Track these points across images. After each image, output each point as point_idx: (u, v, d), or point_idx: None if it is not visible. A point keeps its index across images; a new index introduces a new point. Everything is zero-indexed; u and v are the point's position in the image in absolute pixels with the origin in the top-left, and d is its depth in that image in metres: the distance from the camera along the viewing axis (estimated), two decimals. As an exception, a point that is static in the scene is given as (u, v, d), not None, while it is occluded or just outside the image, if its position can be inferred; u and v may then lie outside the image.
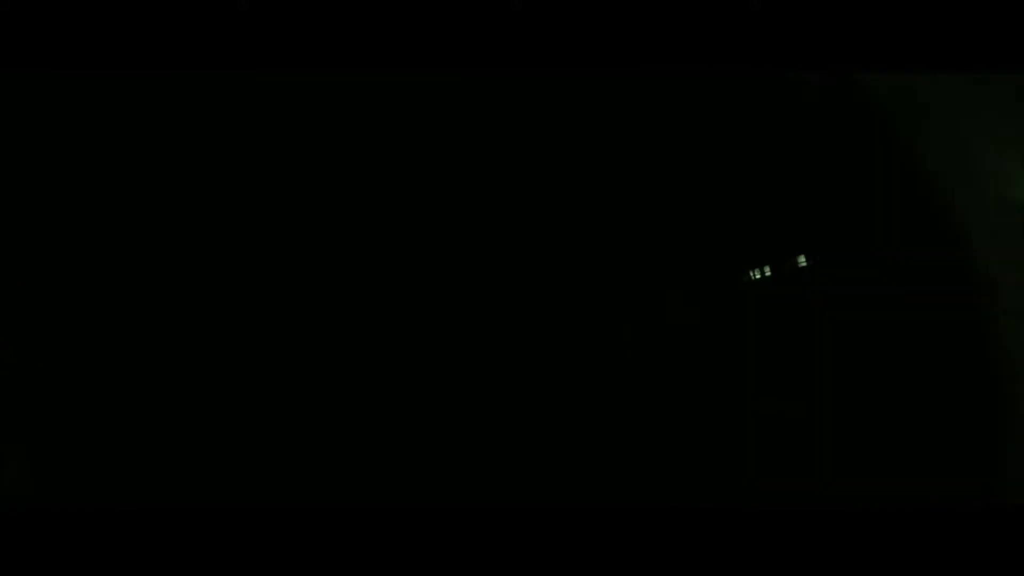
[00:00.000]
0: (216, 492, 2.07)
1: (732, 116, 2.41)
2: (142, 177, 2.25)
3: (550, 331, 2.62)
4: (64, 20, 1.77)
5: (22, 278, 2.04)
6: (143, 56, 1.87)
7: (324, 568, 1.84)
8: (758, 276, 2.44)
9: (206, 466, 2.16)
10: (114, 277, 2.19)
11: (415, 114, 2.48)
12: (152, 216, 2.26)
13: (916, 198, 2.06)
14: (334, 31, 1.90)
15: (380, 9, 1.85)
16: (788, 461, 2.29)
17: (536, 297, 2.62)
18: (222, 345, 2.33)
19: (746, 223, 2.47)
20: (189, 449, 2.18)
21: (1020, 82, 1.78)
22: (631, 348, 2.58)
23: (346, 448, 2.32)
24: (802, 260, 2.35)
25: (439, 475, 2.35)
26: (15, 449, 1.91)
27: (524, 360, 2.59)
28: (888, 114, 2.06)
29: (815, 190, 2.37)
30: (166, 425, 2.21)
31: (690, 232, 2.49)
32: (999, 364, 1.83)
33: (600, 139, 2.58)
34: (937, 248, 1.97)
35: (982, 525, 1.56)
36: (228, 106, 2.29)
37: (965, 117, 1.90)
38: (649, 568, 1.75)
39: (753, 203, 2.46)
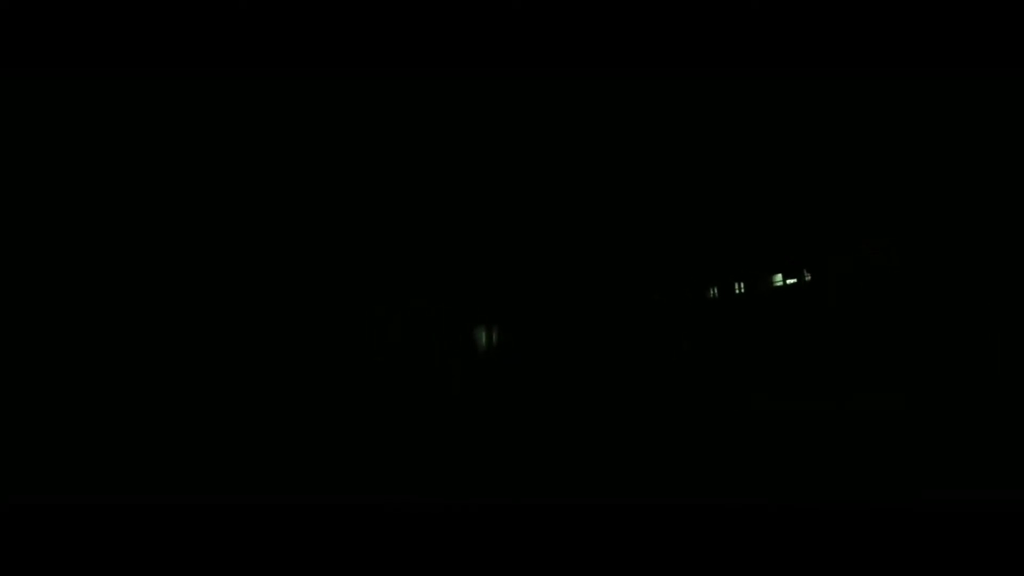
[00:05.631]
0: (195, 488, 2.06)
1: (732, 116, 2.41)
2: (141, 176, 2.25)
3: (552, 330, 2.62)
4: (64, 20, 1.77)
5: (21, 277, 2.04)
6: (143, 56, 1.87)
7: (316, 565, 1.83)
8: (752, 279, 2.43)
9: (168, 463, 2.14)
10: (112, 275, 2.18)
11: (415, 114, 2.48)
12: (150, 215, 2.26)
13: (914, 197, 2.06)
14: (334, 31, 1.91)
15: (380, 9, 1.85)
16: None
17: (537, 296, 2.62)
18: (218, 343, 2.33)
19: (745, 223, 2.46)
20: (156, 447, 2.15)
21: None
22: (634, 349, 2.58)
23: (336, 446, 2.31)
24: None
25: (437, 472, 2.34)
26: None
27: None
28: (888, 114, 2.06)
29: (814, 190, 2.37)
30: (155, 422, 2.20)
31: (688, 231, 2.49)
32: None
33: (600, 139, 2.58)
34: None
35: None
36: (228, 106, 2.29)
37: (965, 116, 1.90)
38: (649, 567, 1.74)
39: (752, 203, 2.46)
